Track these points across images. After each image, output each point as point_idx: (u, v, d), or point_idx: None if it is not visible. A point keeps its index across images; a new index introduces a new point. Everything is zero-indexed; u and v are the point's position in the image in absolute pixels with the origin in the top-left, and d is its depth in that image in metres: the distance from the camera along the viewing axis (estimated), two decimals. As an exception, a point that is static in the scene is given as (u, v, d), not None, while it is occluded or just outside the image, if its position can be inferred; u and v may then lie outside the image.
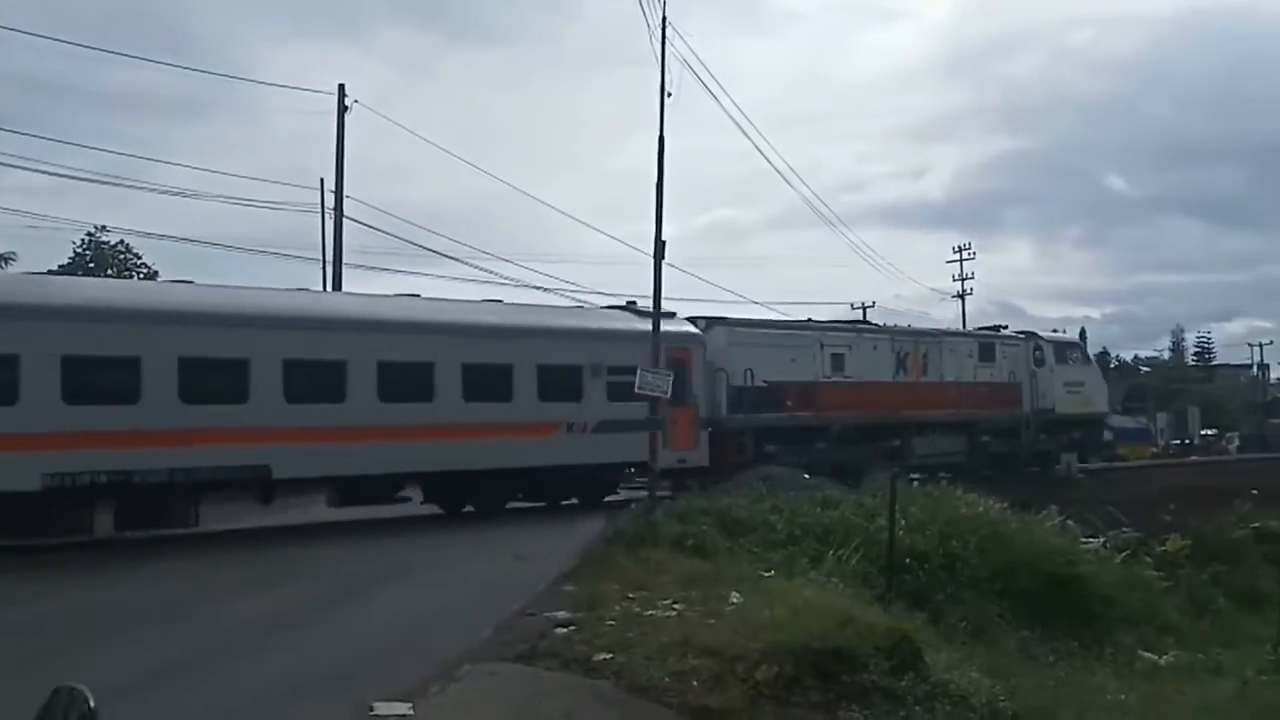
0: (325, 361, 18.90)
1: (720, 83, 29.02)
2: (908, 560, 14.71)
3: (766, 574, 12.87)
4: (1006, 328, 36.70)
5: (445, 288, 30.97)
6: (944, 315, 64.01)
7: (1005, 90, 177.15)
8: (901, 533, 14.93)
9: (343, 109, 31.20)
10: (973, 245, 65.63)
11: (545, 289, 33.39)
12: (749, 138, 26.12)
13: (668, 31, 18.35)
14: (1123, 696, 11.88)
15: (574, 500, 22.31)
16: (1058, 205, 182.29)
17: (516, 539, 16.94)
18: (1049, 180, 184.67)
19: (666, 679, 8.84)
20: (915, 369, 30.99)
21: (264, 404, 18.14)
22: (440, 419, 19.82)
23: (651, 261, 18.61)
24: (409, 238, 56.68)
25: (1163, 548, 21.05)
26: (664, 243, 18.52)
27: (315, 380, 18.90)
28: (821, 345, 28.71)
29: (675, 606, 10.93)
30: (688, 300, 29.03)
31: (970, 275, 63.82)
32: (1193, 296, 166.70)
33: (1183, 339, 78.18)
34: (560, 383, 22.09)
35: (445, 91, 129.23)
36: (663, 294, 18.82)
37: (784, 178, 46.30)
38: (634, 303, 25.26)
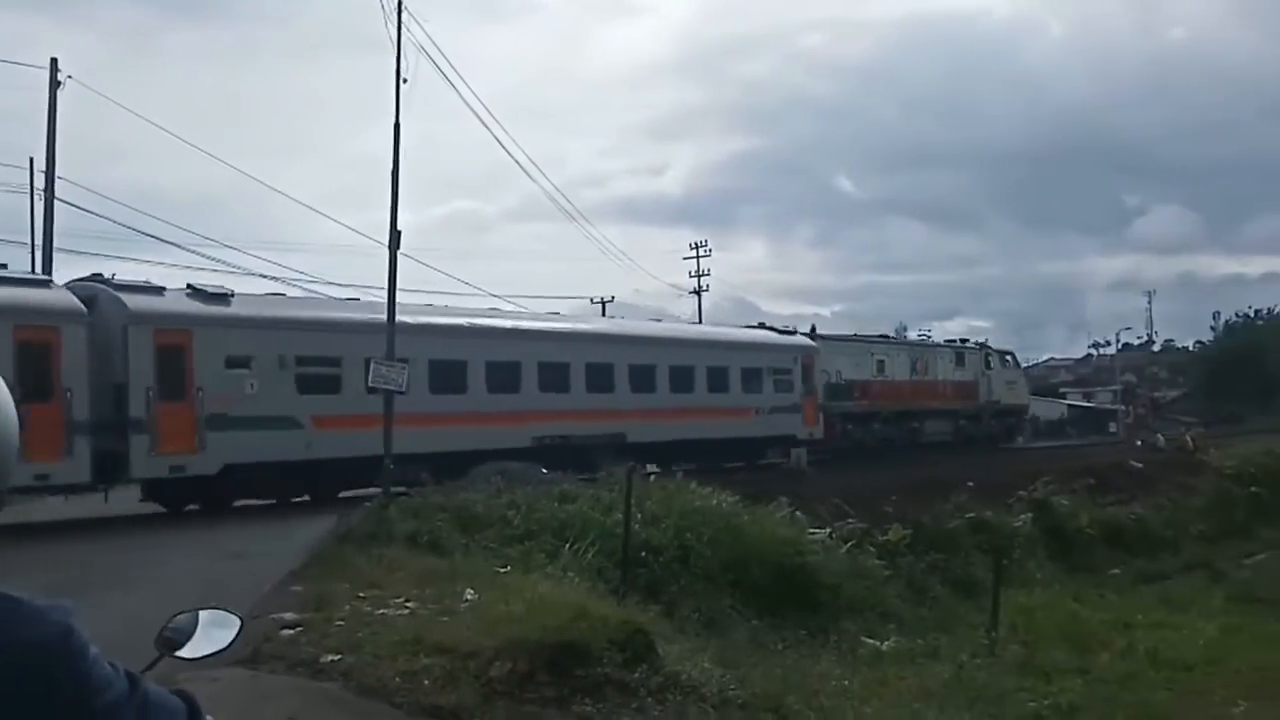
0: (646, 365, 29.86)
1: (459, 71, 28.71)
2: (643, 553, 14.83)
3: (503, 569, 12.74)
4: (967, 341, 48.22)
5: (167, 275, 29.31)
6: (682, 311, 65.67)
7: (742, 90, 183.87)
8: (637, 526, 15.04)
9: (55, 85, 28.85)
10: (709, 242, 67.69)
11: (274, 278, 31.96)
12: (488, 128, 25.85)
13: (404, 16, 18.01)
14: (847, 682, 12.30)
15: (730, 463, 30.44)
16: (791, 205, 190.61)
17: (239, 538, 16.21)
18: (783, 180, 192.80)
19: (397, 679, 8.66)
20: (922, 371, 42.35)
21: (621, 394, 28.85)
22: (697, 404, 30.73)
23: (386, 251, 18.15)
24: (128, 222, 53.04)
25: (885, 537, 21.92)
26: (399, 232, 18.14)
27: (643, 378, 29.56)
28: (871, 354, 40.26)
29: (408, 604, 10.72)
30: (425, 292, 28.61)
31: (707, 272, 65.71)
32: (916, 296, 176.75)
33: (905, 337, 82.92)
34: (751, 380, 32.84)
35: (170, 70, 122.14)
36: (397, 285, 18.42)
37: (524, 170, 46.49)
38: (764, 324, 38.05)
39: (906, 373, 41.37)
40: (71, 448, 18.55)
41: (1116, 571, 26.37)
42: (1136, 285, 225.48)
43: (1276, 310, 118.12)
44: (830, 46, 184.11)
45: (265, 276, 30.43)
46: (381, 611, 10.44)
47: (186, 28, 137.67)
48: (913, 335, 48.53)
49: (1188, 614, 18.40)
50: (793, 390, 33.94)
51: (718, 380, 31.71)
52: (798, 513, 19.83)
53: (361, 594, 11.14)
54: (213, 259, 40.93)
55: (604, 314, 47.23)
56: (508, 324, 28.02)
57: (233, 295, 22.25)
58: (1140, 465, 38.87)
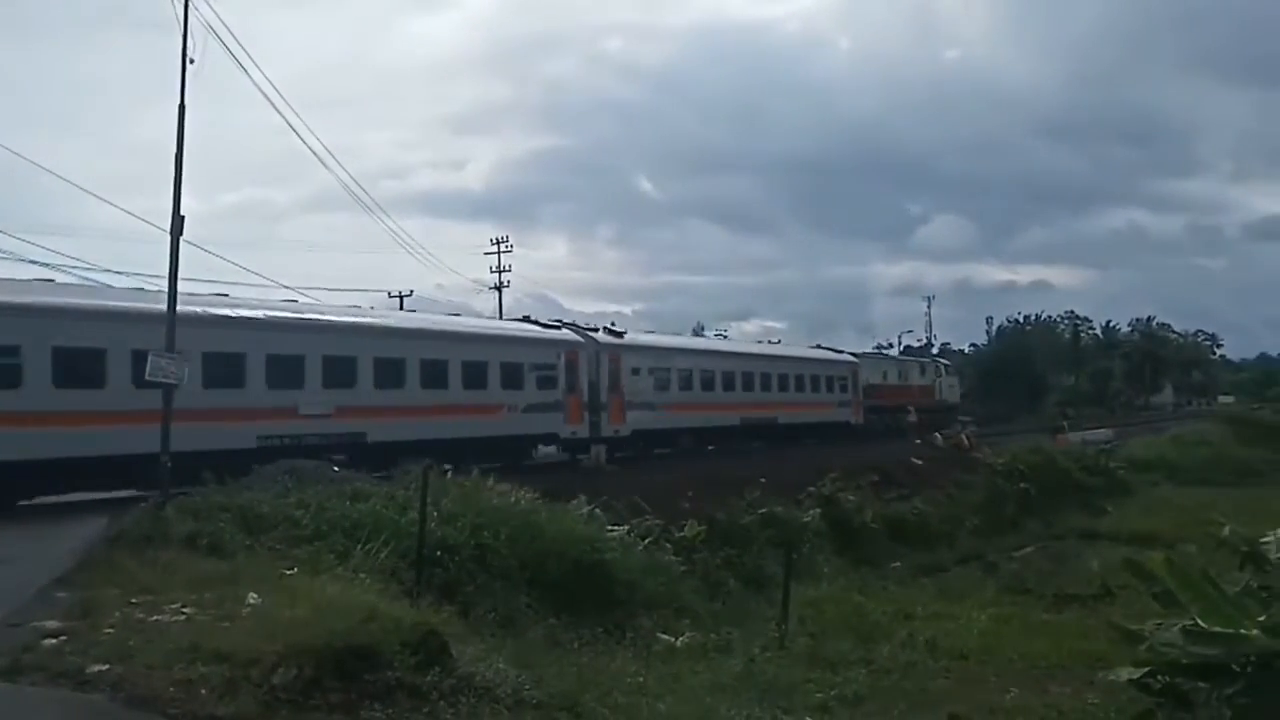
0: (785, 374, 46.22)
1: (252, 55, 27.47)
2: (439, 553, 14.52)
3: (289, 572, 12.23)
4: (923, 354, 69.94)
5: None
6: (484, 306, 65.39)
7: (544, 89, 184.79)
8: (433, 525, 14.73)
9: None
10: (510, 238, 67.81)
11: (47, 265, 29.87)
12: (281, 114, 24.58)
13: (194, -6, 17.27)
14: (642, 678, 12.31)
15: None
16: (592, 204, 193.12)
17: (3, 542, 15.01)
18: (585, 179, 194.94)
19: (171, 689, 8.20)
20: (904, 379, 61.00)
21: (775, 393, 44.57)
22: (810, 400, 46.98)
23: (169, 239, 17.22)
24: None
25: (681, 533, 22.22)
26: (182, 218, 17.19)
27: (785, 384, 45.57)
28: (879, 365, 59.43)
29: (185, 610, 10.22)
30: (213, 282, 27.27)
31: (508, 268, 65.94)
32: (713, 296, 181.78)
33: (702, 336, 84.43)
34: (831, 385, 49.66)
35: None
36: (179, 274, 17.49)
37: (319, 159, 44.91)
38: (819, 345, 59.65)
39: (896, 379, 60.42)
40: (584, 418, 33.56)
41: (898, 564, 27.42)
42: (918, 290, 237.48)
43: (1044, 317, 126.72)
44: (631, 50, 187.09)
45: (35, 263, 28.45)
46: (155, 618, 9.93)
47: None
48: (710, 334, 50.86)
49: (963, 605, 19.28)
50: (848, 392, 51.47)
51: (816, 385, 48.61)
52: (596, 510, 19.81)
53: (134, 600, 10.59)
54: (-26, 242, 37.97)
55: (401, 308, 48.47)
56: (724, 348, 49.91)
57: (624, 333, 39.26)
58: (920, 462, 40.59)
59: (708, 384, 40.61)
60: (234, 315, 23.86)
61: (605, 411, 34.55)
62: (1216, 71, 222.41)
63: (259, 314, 24.66)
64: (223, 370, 22.40)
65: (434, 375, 27.84)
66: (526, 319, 37.27)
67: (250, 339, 23.38)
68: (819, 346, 56.30)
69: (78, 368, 20.32)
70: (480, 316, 42.15)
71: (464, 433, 27.73)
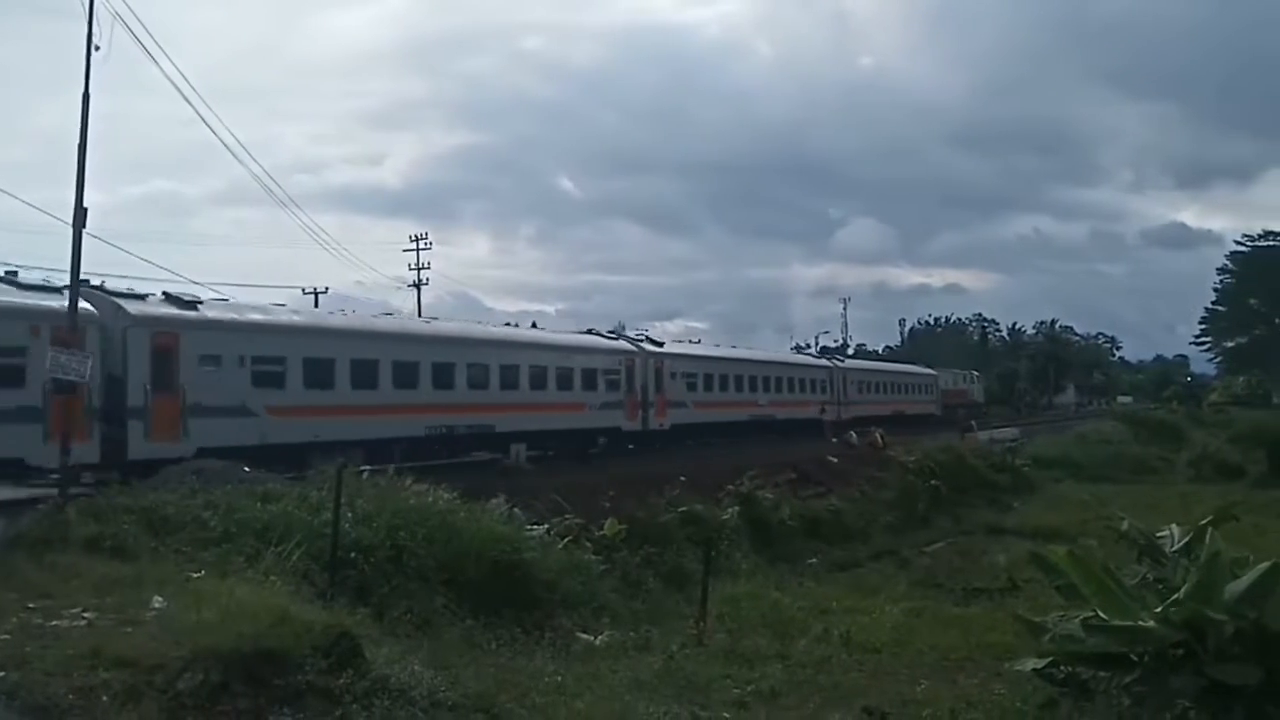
0: (904, 384, 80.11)
1: (159, 42, 27.16)
2: (353, 554, 14.28)
3: (196, 575, 11.95)
4: (834, 349, 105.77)
5: None
6: (403, 304, 64.71)
7: (464, 85, 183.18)
8: (348, 526, 14.50)
9: None
10: (430, 235, 67.81)
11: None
12: (190, 104, 24.16)
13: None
14: (560, 678, 12.24)
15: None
16: (513, 202, 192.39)
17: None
18: (505, 177, 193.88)
19: (70, 696, 7.98)
20: (956, 384, 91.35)
21: (897, 397, 76.70)
22: (914, 399, 79.13)
23: (71, 231, 16.77)
24: None
25: (601, 532, 22.16)
26: (85, 210, 16.69)
27: (900, 389, 77.21)
28: (943, 374, 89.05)
29: (85, 615, 9.95)
30: (120, 277, 26.58)
31: (427, 265, 65.55)
32: (636, 296, 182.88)
33: (624, 335, 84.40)
34: (920, 389, 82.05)
35: None
36: (81, 267, 17.07)
37: (231, 151, 43.53)
38: (891, 353, 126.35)
39: (952, 385, 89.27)
40: (834, 412, 61.57)
41: (814, 561, 27.65)
42: (835, 292, 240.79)
43: (954, 319, 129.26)
44: (551, 49, 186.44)
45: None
46: (54, 623, 9.65)
47: None
48: (631, 334, 49.72)
49: (877, 599, 19.47)
50: (933, 394, 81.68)
51: (919, 390, 79.25)
52: (516, 509, 19.66)
53: (31, 604, 10.30)
54: None
55: (316, 305, 49.59)
56: (886, 367, 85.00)
57: (845, 360, 76.77)
58: (836, 460, 41.04)
59: (876, 390, 69.76)
60: (727, 357, 53.16)
61: (842, 406, 61.85)
62: (1118, 86, 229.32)
63: (728, 355, 54.38)
64: (718, 381, 49.12)
65: (755, 383, 52.97)
66: (797, 348, 71.27)
67: (725, 368, 50.82)
68: (901, 360, 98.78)
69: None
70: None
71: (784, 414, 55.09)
